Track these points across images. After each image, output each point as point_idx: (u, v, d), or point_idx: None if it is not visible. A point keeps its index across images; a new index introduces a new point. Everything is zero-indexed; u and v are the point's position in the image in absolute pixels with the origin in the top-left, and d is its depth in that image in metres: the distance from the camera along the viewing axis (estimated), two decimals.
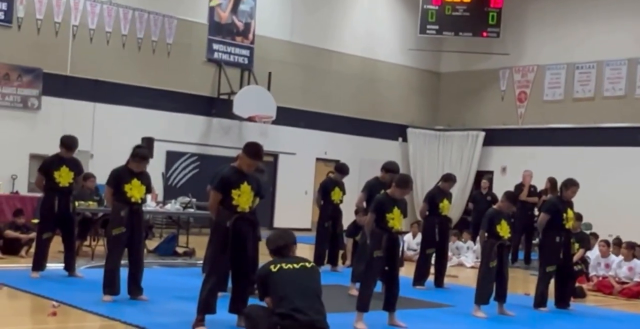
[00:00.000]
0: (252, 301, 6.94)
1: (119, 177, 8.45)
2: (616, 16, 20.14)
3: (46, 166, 9.81)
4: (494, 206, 9.45)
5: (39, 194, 15.41)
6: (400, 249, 8.07)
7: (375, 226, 7.78)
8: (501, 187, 16.34)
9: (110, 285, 8.35)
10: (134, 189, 8.40)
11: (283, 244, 5.97)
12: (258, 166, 7.56)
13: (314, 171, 21.96)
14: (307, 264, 5.90)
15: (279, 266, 5.75)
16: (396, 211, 7.74)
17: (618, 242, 13.14)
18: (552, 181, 14.53)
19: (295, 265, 5.79)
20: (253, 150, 7.15)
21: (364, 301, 7.72)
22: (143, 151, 8.70)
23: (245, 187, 7.07)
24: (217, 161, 18.39)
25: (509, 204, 9.33)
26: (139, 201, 8.49)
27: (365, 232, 9.87)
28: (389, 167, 10.22)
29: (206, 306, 7.04)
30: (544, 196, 14.96)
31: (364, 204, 10.23)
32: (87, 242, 12.76)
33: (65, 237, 9.98)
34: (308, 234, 16.47)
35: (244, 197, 7.07)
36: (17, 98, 16.86)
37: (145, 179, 8.63)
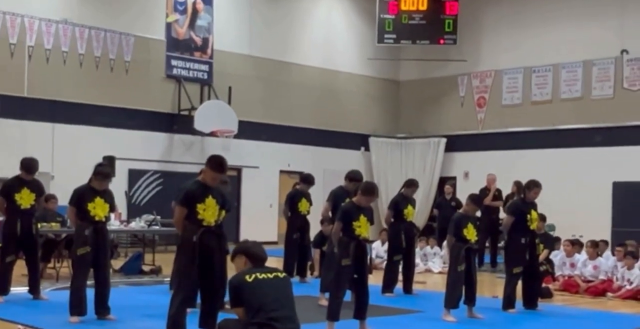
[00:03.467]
0: (222, 315, 6.90)
1: (81, 196, 8.36)
2: (570, 20, 20.47)
3: (7, 189, 9.67)
4: (460, 210, 9.51)
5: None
6: (368, 256, 8.08)
7: (343, 235, 7.80)
8: (464, 192, 16.37)
9: (77, 306, 8.24)
10: (97, 208, 8.32)
11: (264, 256, 5.91)
12: (222, 178, 7.54)
13: (278, 184, 21.94)
14: (279, 274, 5.87)
15: (254, 276, 5.70)
16: (362, 218, 7.77)
17: (578, 242, 13.27)
18: (518, 185, 14.66)
19: (269, 275, 5.75)
20: (216, 162, 7.14)
21: (334, 310, 7.73)
22: (105, 168, 8.64)
23: (210, 201, 7.05)
24: (180, 178, 18.28)
25: (474, 207, 9.42)
26: (103, 220, 8.40)
27: (332, 242, 9.92)
28: (353, 176, 10.26)
29: (175, 324, 6.98)
30: (510, 200, 15.08)
31: (330, 213, 10.26)
32: (51, 265, 12.59)
33: (28, 260, 9.83)
34: (275, 247, 16.44)
35: (209, 211, 7.05)
36: None
37: (108, 197, 8.55)
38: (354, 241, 7.75)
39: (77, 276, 8.34)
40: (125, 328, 8.00)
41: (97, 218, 8.32)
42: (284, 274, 5.98)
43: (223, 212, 7.39)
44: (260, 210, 21.18)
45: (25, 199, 9.60)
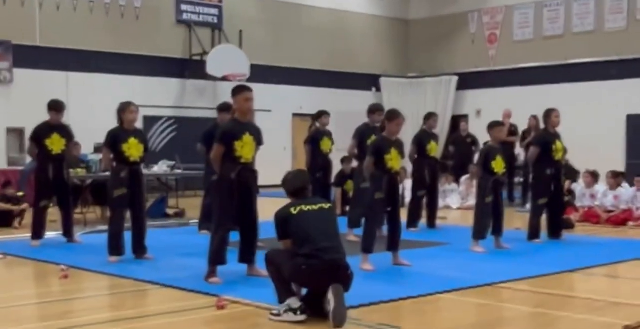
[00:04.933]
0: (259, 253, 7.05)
1: (115, 138, 8.44)
2: None
3: (37, 135, 9.76)
4: (488, 143, 9.51)
5: (20, 168, 15.49)
6: (401, 190, 8.20)
7: (375, 169, 7.90)
8: (477, 130, 16.54)
9: (115, 246, 8.42)
10: (132, 149, 8.41)
11: (301, 185, 6.06)
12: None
13: (291, 127, 22.01)
14: (324, 205, 6.01)
15: (299, 208, 5.84)
16: (394, 152, 7.86)
17: (597, 174, 13.39)
18: (536, 118, 14.70)
19: (314, 207, 5.89)
20: (239, 87, 7.28)
21: (369, 243, 7.89)
22: (129, 102, 8.63)
23: (247, 137, 7.16)
24: (194, 123, 18.38)
25: (495, 132, 9.39)
26: (138, 160, 8.49)
27: (359, 179, 10.06)
28: (375, 108, 10.35)
29: (217, 257, 7.16)
30: (527, 135, 15.15)
31: (355, 150, 10.33)
32: (78, 210, 12.77)
33: (61, 204, 9.99)
34: None
35: (246, 148, 7.16)
36: None
37: (142, 138, 8.64)
38: (387, 174, 7.87)
39: (114, 217, 8.50)
40: (165, 265, 8.18)
41: (132, 159, 8.41)
42: (328, 205, 6.12)
43: (258, 148, 7.48)
44: (274, 153, 21.21)
45: (56, 144, 9.69)
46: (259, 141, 7.37)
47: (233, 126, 7.23)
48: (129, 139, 8.42)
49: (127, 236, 8.58)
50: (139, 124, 17.94)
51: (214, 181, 9.28)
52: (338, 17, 22.77)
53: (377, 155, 7.88)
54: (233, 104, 7.43)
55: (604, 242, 10.46)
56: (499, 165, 9.22)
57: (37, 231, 9.84)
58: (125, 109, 8.50)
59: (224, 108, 10.30)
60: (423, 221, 11.59)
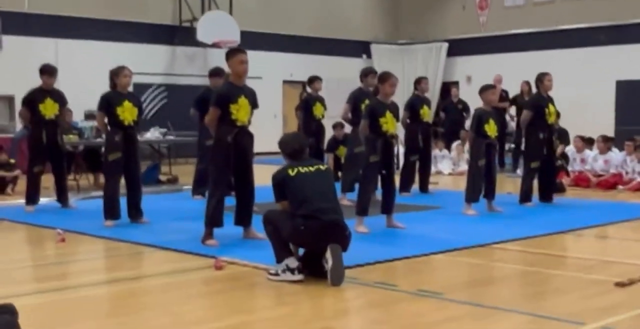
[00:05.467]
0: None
1: (109, 101, 8.43)
2: None
3: (30, 99, 9.72)
4: (480, 107, 9.52)
5: (10, 135, 15.44)
6: (395, 152, 8.25)
7: (370, 132, 7.93)
8: (468, 97, 16.57)
9: (111, 210, 8.46)
10: (126, 112, 8.40)
11: (299, 147, 6.09)
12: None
13: (282, 94, 21.97)
14: (321, 166, 6.05)
15: (296, 169, 5.88)
16: (388, 114, 7.89)
17: (588, 139, 13.50)
18: (528, 84, 14.75)
19: (311, 168, 5.93)
20: (232, 50, 7.34)
21: (363, 206, 7.95)
22: (123, 66, 8.60)
23: (242, 100, 7.17)
24: (185, 90, 18.32)
25: (487, 96, 9.40)
26: (132, 124, 8.49)
27: (352, 144, 10.12)
28: (368, 71, 10.37)
29: (213, 220, 7.22)
30: (519, 100, 15.20)
31: (349, 115, 10.35)
32: (70, 177, 12.76)
33: (55, 170, 9.97)
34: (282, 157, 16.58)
35: (242, 111, 7.18)
36: None
37: (136, 101, 8.64)
38: (381, 137, 7.91)
39: (109, 181, 8.52)
40: (161, 229, 8.22)
41: (126, 122, 8.41)
42: (325, 166, 6.16)
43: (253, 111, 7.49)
44: (265, 121, 21.16)
45: (49, 109, 9.66)
46: (254, 104, 7.38)
47: (228, 89, 7.24)
48: (123, 103, 8.41)
49: (123, 201, 8.61)
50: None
51: (207, 146, 9.34)
52: None
53: (371, 118, 7.91)
54: (228, 67, 7.42)
55: (594, 205, 10.58)
56: (491, 128, 9.27)
57: (32, 196, 9.85)
58: (119, 72, 8.48)
59: (215, 73, 10.30)
60: (415, 185, 11.67)
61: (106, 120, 8.47)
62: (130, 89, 17.84)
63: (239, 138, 7.19)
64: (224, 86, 7.42)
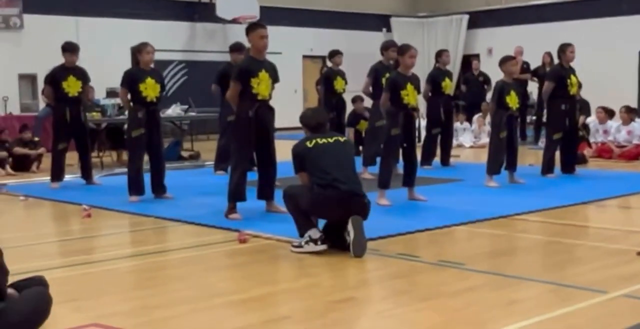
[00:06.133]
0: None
1: (132, 77, 8.47)
2: None
3: (53, 77, 9.79)
4: (501, 78, 9.45)
5: (34, 113, 15.58)
6: (417, 125, 8.25)
7: (391, 105, 7.94)
8: (488, 69, 16.45)
9: (135, 186, 8.54)
10: (149, 89, 8.45)
11: (321, 120, 6.13)
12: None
13: (302, 69, 21.95)
14: (340, 138, 6.08)
15: (314, 141, 5.92)
16: (410, 87, 7.88)
17: (610, 110, 13.40)
18: (550, 55, 14.64)
19: (329, 139, 5.97)
20: (253, 25, 7.34)
21: (385, 179, 7.98)
22: (145, 43, 8.62)
23: (263, 74, 7.19)
24: (205, 66, 18.35)
25: (510, 65, 9.36)
26: (155, 101, 8.54)
27: (373, 117, 10.13)
28: (389, 44, 10.33)
29: (237, 194, 7.28)
30: (541, 71, 15.09)
31: (370, 89, 10.34)
32: (94, 154, 12.88)
33: (79, 147, 10.07)
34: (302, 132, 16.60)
35: (263, 85, 7.20)
36: None
37: (158, 77, 8.68)
38: (403, 110, 7.90)
39: (133, 157, 8.60)
40: (184, 203, 8.30)
41: (148, 99, 8.46)
42: (344, 138, 6.20)
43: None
44: (285, 96, 21.08)
45: (72, 86, 9.73)
46: (275, 78, 7.40)
47: (249, 63, 7.26)
48: (146, 79, 8.45)
49: (146, 177, 8.70)
50: None
51: (229, 121, 9.39)
52: None
53: (392, 90, 7.90)
54: (248, 42, 7.44)
55: (616, 175, 10.54)
56: (513, 100, 9.22)
57: (57, 173, 9.95)
58: (142, 49, 8.51)
59: (236, 48, 10.32)
60: (437, 159, 11.67)
61: (129, 96, 8.52)
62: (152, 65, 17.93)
63: (260, 112, 7.22)
64: (244, 60, 7.45)
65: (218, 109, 11.12)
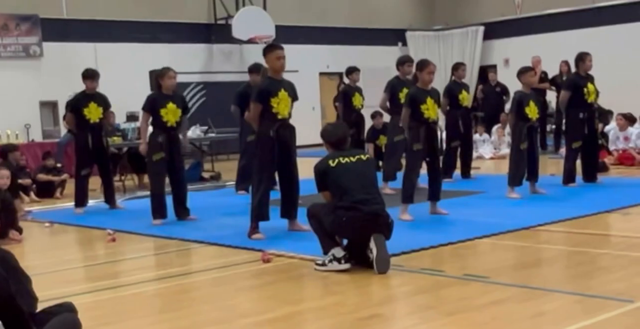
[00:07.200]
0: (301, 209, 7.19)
1: (154, 102, 8.58)
2: None
3: (75, 104, 9.94)
4: (520, 89, 9.46)
5: (56, 140, 15.75)
6: (439, 139, 8.26)
7: (412, 120, 7.96)
8: (505, 80, 16.43)
9: (158, 209, 8.61)
10: (169, 114, 8.55)
11: (342, 135, 6.16)
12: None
13: (319, 86, 22.04)
14: (362, 156, 6.09)
15: (337, 160, 5.94)
16: (429, 100, 7.92)
17: (631, 117, 13.35)
18: (567, 63, 14.61)
19: (352, 158, 5.98)
20: (268, 46, 7.42)
21: (408, 194, 8.00)
22: (168, 68, 8.73)
23: (282, 94, 7.27)
24: (223, 87, 18.49)
25: (528, 76, 9.34)
26: (174, 125, 8.63)
27: (391, 132, 10.16)
28: (404, 59, 10.36)
29: (259, 214, 7.32)
30: (558, 80, 15.07)
31: (387, 104, 10.38)
32: (116, 178, 12.98)
33: (102, 172, 10.19)
34: (321, 149, 16.65)
35: (282, 104, 7.28)
36: (18, 47, 16.85)
37: (180, 102, 8.77)
38: (424, 125, 7.93)
39: (154, 181, 8.68)
40: (208, 225, 8.35)
41: (168, 124, 8.56)
42: (367, 155, 6.22)
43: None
44: (303, 114, 21.14)
45: (93, 113, 9.84)
46: (294, 96, 7.49)
47: (269, 84, 7.35)
48: (167, 104, 8.56)
49: (169, 200, 8.76)
50: None
51: (248, 142, 9.46)
52: None
53: (413, 105, 7.94)
54: (265, 63, 7.52)
55: (639, 182, 10.47)
56: (532, 111, 9.21)
57: (80, 199, 10.06)
58: (164, 74, 8.63)
59: (254, 69, 10.40)
60: (457, 171, 11.66)
61: (150, 120, 8.62)
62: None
63: (281, 131, 7.29)
64: (264, 81, 7.52)
65: (237, 129, 11.20)
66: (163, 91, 8.65)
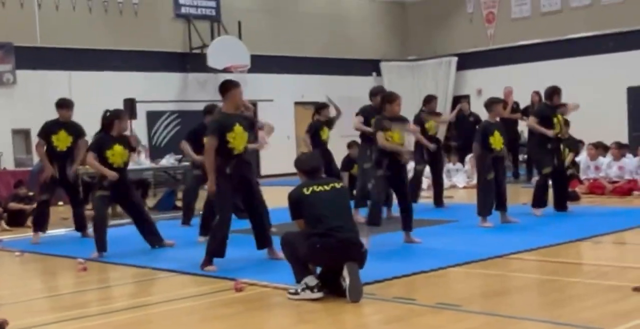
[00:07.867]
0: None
1: (101, 144, 8.61)
2: None
3: (44, 130, 9.88)
4: (486, 119, 9.57)
5: (29, 168, 15.61)
6: (407, 168, 8.33)
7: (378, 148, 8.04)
8: (479, 110, 16.59)
9: (99, 243, 8.49)
10: (116, 155, 8.59)
11: (316, 164, 6.20)
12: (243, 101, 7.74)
13: (294, 116, 22.11)
14: (336, 184, 6.13)
15: (311, 188, 5.96)
16: (395, 128, 8.00)
17: (602, 145, 13.50)
18: (538, 94, 14.79)
19: (326, 187, 6.01)
20: (226, 82, 7.54)
21: (375, 217, 8.06)
22: (123, 110, 8.92)
23: (238, 128, 7.27)
24: (197, 116, 18.31)
25: (493, 109, 9.45)
26: (122, 166, 8.66)
27: (361, 160, 10.25)
28: (377, 90, 10.42)
29: (216, 251, 7.22)
30: (530, 110, 15.22)
31: (363, 126, 10.34)
32: (89, 207, 12.86)
33: (72, 200, 10.14)
34: (296, 178, 16.66)
35: (238, 139, 7.26)
36: None
37: (126, 144, 8.78)
38: (389, 154, 8.00)
39: (97, 216, 8.65)
40: (180, 254, 8.28)
41: (115, 165, 8.58)
42: (340, 184, 6.24)
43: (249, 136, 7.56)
44: (279, 143, 21.28)
45: (62, 141, 9.81)
46: (249, 128, 7.50)
47: (224, 118, 7.36)
48: (114, 146, 8.60)
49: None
50: (142, 120, 18.40)
51: (194, 175, 9.49)
52: (335, 3, 22.83)
53: (381, 130, 8.02)
54: (223, 98, 7.51)
55: (609, 211, 10.58)
56: (497, 141, 9.28)
57: (38, 224, 9.95)
58: (122, 116, 8.74)
59: (211, 110, 10.28)
60: (429, 199, 11.71)
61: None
62: (143, 117, 18.16)
63: (237, 168, 7.26)
64: (218, 115, 7.59)
65: None
66: (114, 132, 8.67)
